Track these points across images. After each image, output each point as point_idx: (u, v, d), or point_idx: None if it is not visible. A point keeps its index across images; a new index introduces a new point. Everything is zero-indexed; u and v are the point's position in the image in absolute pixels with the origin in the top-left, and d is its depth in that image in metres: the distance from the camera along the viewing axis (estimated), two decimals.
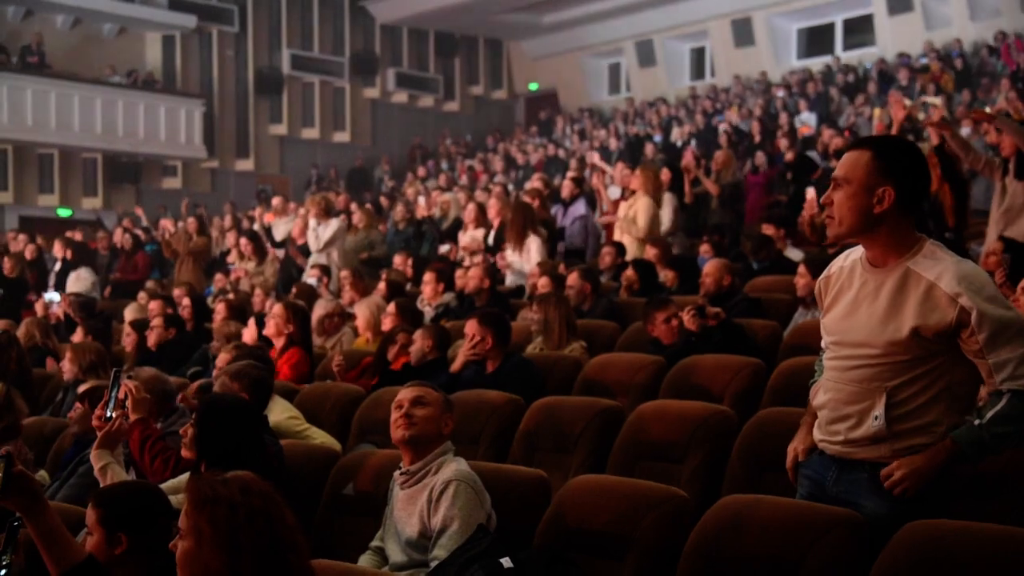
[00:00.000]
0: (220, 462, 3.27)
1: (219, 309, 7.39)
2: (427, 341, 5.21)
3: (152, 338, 6.92)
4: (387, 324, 6.09)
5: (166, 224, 12.47)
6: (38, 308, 9.58)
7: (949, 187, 6.43)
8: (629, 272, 7.11)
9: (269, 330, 5.94)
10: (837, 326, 2.66)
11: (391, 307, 6.29)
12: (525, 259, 8.02)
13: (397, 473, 3.29)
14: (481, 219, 9.21)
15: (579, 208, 9.18)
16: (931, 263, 2.53)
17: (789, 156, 10.47)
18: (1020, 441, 2.54)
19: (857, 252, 2.70)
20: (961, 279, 2.48)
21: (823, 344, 2.77)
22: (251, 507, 2.12)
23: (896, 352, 2.53)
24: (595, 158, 11.30)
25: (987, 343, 2.46)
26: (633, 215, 8.50)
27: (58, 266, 11.82)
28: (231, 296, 8.36)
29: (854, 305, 2.63)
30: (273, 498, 2.19)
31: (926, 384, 2.54)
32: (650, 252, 7.68)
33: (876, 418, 2.56)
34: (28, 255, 12.35)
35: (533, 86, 23.50)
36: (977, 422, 2.50)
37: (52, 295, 9.72)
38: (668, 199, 9.20)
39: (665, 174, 9.54)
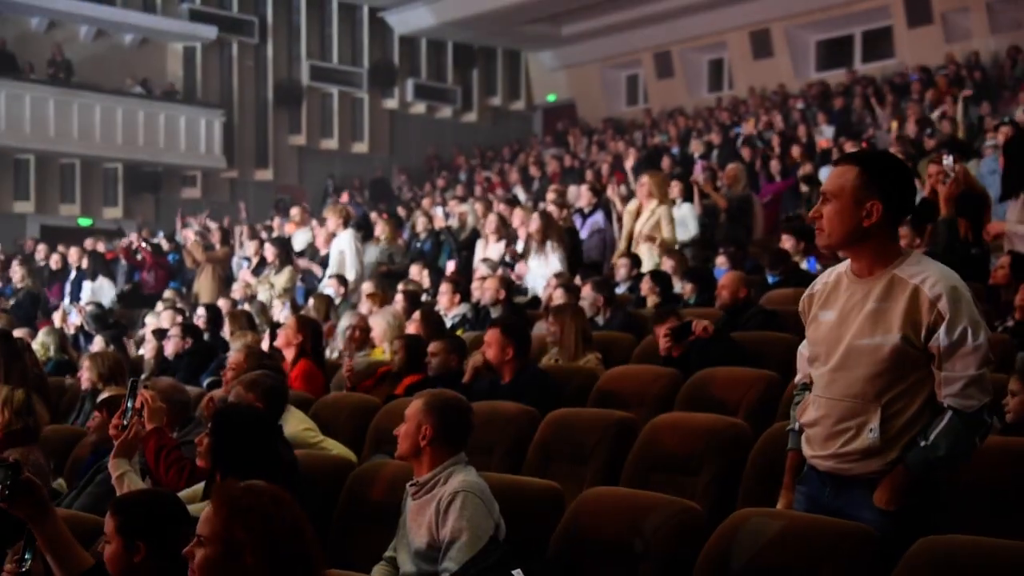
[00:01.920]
0: (235, 471, 3.30)
1: (226, 325, 7.43)
2: (452, 355, 5.22)
3: (169, 348, 6.97)
4: (411, 331, 6.11)
5: (187, 234, 12.57)
6: (56, 318, 9.64)
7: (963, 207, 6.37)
8: (647, 283, 7.09)
9: (279, 341, 5.97)
10: (826, 336, 2.70)
11: (416, 315, 6.30)
12: (545, 266, 8.06)
13: (408, 484, 3.30)
14: (502, 231, 9.22)
15: (597, 220, 9.17)
16: (916, 268, 2.60)
17: (807, 168, 10.44)
18: (967, 458, 2.61)
19: (841, 267, 2.76)
20: (944, 284, 2.54)
21: (806, 360, 2.82)
22: (285, 516, 2.16)
23: (886, 360, 2.57)
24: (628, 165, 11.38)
25: (945, 352, 2.53)
26: (656, 223, 8.44)
27: (73, 275, 11.90)
28: (246, 307, 8.41)
29: (843, 316, 2.67)
30: (299, 511, 2.22)
31: (913, 395, 2.59)
32: (667, 264, 7.68)
33: (871, 431, 2.59)
34: (54, 265, 12.46)
35: (551, 97, 23.53)
36: (923, 443, 2.56)
37: (68, 306, 9.79)
38: (688, 208, 9.20)
39: (677, 185, 9.53)
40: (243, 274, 10.78)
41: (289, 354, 5.81)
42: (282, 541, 2.14)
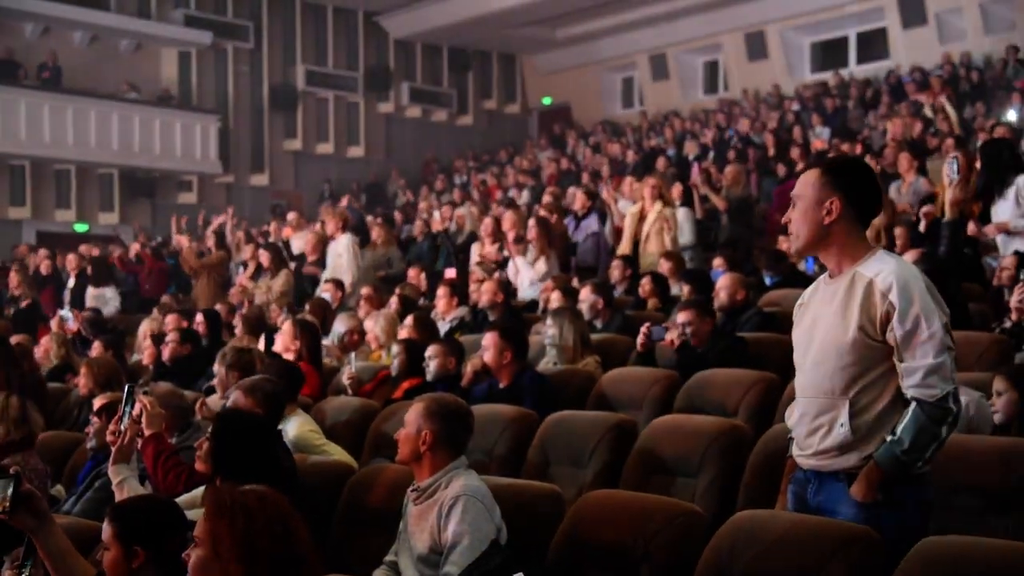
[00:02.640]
0: (234, 476, 3.29)
1: (238, 324, 7.42)
2: (450, 358, 5.22)
3: (167, 352, 6.95)
4: (404, 336, 6.09)
5: (181, 241, 12.55)
6: (53, 324, 9.63)
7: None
8: (646, 284, 7.09)
9: (277, 346, 5.96)
10: (801, 338, 2.81)
11: (409, 320, 6.29)
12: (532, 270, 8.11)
13: (410, 489, 3.30)
14: (497, 233, 9.23)
15: (592, 224, 9.15)
16: (876, 264, 2.67)
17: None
18: (935, 449, 2.62)
19: (825, 273, 2.84)
20: (897, 276, 2.60)
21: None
22: (268, 516, 2.16)
23: (848, 354, 2.64)
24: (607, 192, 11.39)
25: (902, 342, 2.59)
26: (661, 226, 8.44)
27: (72, 282, 11.86)
28: (245, 311, 8.38)
29: (815, 316, 2.77)
30: (289, 511, 2.21)
31: (881, 389, 2.64)
32: (664, 266, 7.68)
33: (842, 426, 2.65)
34: (44, 270, 12.41)
35: (546, 100, 23.55)
36: (890, 438, 2.60)
37: (66, 312, 9.76)
38: (685, 213, 9.20)
39: (677, 188, 9.54)
40: (240, 279, 10.76)
41: (288, 358, 5.79)
42: (266, 540, 2.13)
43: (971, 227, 6.02)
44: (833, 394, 2.67)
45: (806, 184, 2.75)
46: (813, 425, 2.72)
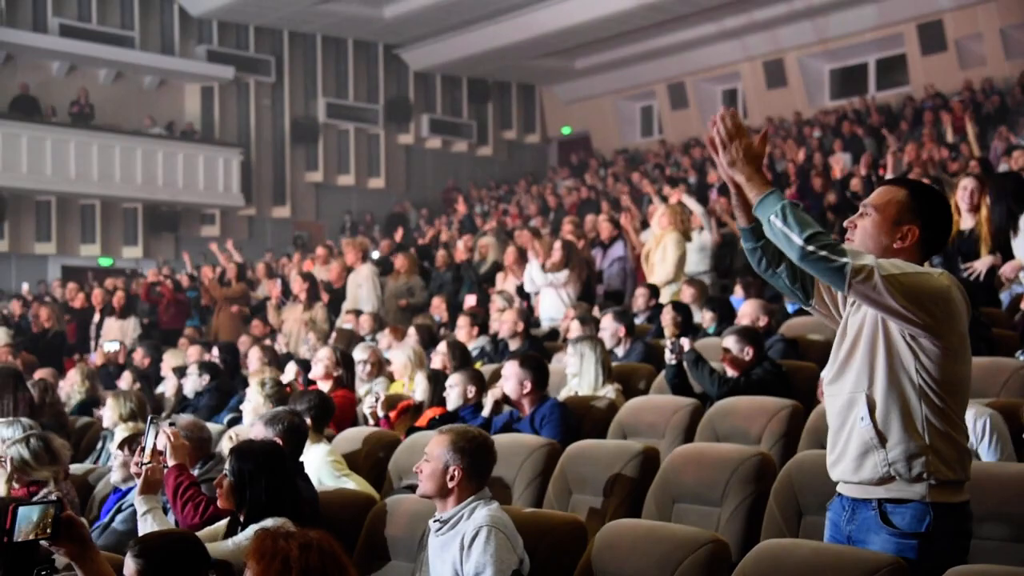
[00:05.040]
0: (256, 510, 3.30)
1: (254, 354, 7.44)
2: (471, 386, 5.21)
3: (189, 385, 6.99)
4: (436, 364, 6.11)
5: (206, 271, 12.65)
6: (98, 357, 9.67)
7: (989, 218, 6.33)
8: (668, 313, 7.06)
9: (317, 373, 5.98)
10: (832, 352, 2.75)
11: (441, 346, 6.30)
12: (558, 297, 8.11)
13: (431, 520, 3.29)
14: (522, 263, 9.25)
15: (617, 250, 9.19)
16: None
17: (831, 199, 10.39)
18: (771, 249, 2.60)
19: None
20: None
21: None
22: (306, 564, 2.16)
23: (862, 346, 2.60)
24: (625, 200, 11.39)
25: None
26: (661, 254, 8.44)
27: (97, 317, 11.95)
28: (267, 342, 8.42)
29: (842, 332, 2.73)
30: (334, 557, 2.22)
31: (900, 386, 2.56)
32: (686, 293, 7.65)
33: (863, 419, 2.58)
34: (78, 304, 12.52)
35: (566, 130, 23.64)
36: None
37: (112, 344, 9.80)
38: (697, 238, 9.15)
39: (696, 216, 9.52)
40: (270, 311, 10.77)
41: (326, 386, 5.81)
42: None
43: (985, 262, 5.96)
44: (852, 394, 2.66)
45: (890, 200, 2.64)
46: (837, 441, 2.70)
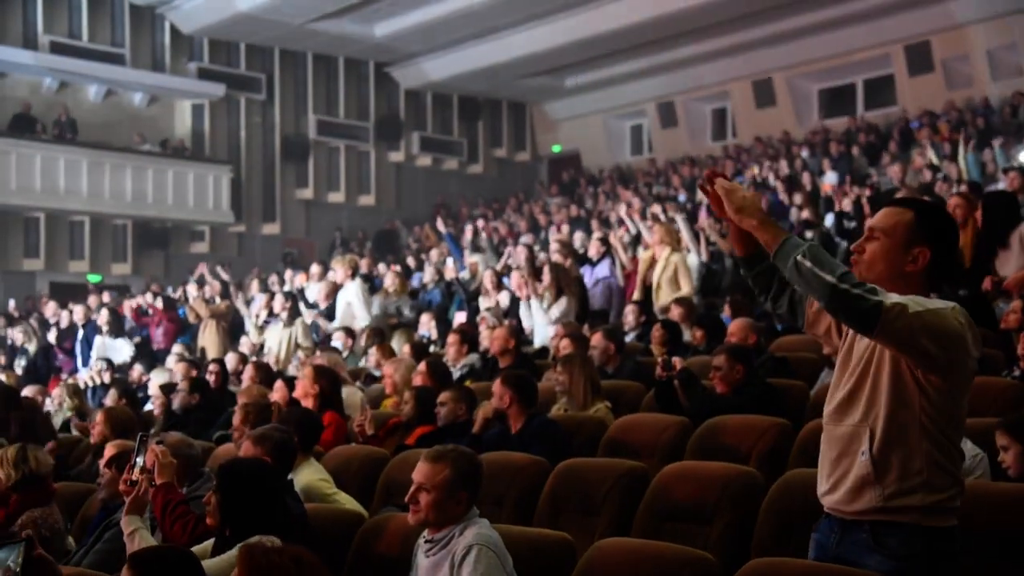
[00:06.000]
0: (244, 528, 3.28)
1: (247, 372, 7.42)
2: (460, 404, 5.21)
3: (177, 402, 6.96)
4: (417, 382, 6.09)
5: (190, 290, 12.61)
6: (88, 376, 9.63)
7: (973, 232, 6.37)
8: (657, 331, 7.08)
9: (297, 391, 5.96)
10: (833, 382, 2.73)
11: (421, 366, 6.29)
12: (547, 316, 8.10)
13: (421, 540, 3.28)
14: (498, 285, 9.28)
15: (603, 269, 9.20)
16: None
17: (805, 214, 10.50)
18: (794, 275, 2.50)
19: None
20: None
21: None
22: None
23: (867, 380, 2.58)
24: (624, 212, 11.44)
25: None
26: (673, 272, 8.44)
27: (81, 333, 11.89)
28: (256, 359, 8.40)
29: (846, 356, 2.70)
30: (321, 570, 2.21)
31: (903, 422, 2.54)
32: (675, 312, 7.67)
33: (863, 454, 2.57)
34: (63, 323, 12.46)
35: (556, 148, 23.72)
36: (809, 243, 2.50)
37: (97, 361, 9.78)
38: (691, 260, 9.20)
39: (685, 234, 9.55)
40: (251, 329, 10.76)
41: (307, 404, 5.78)
42: None
43: (986, 282, 6.00)
44: (856, 426, 2.64)
45: (897, 223, 2.61)
46: (834, 468, 2.68)
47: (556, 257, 9.16)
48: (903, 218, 2.61)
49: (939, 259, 2.59)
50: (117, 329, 11.66)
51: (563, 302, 8.25)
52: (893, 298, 2.44)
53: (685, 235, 9.39)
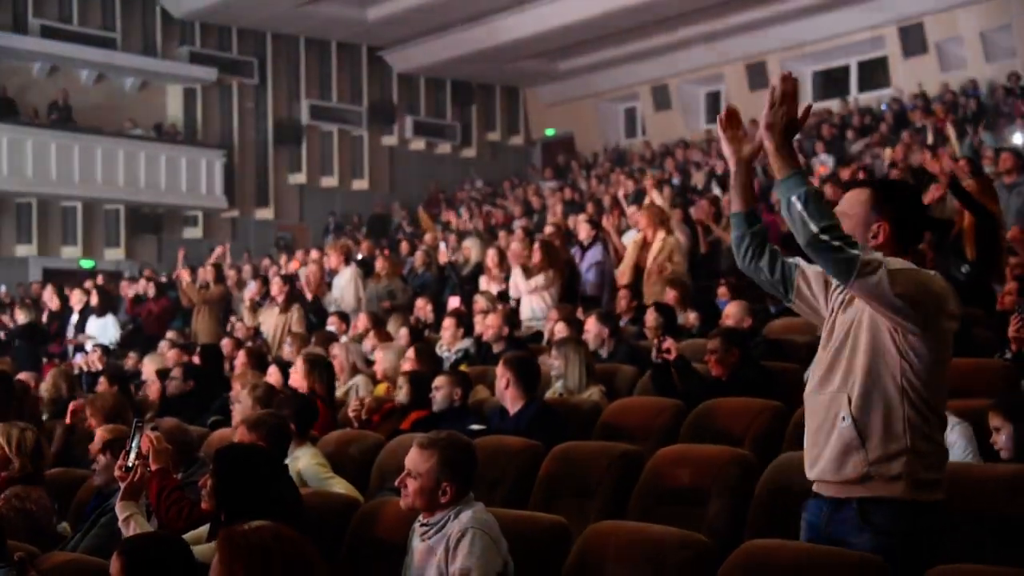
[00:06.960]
0: (239, 512, 3.29)
1: (240, 358, 7.41)
2: (455, 389, 5.22)
3: (171, 388, 6.95)
4: (406, 368, 6.09)
5: (182, 274, 12.58)
6: (82, 362, 9.60)
7: (973, 219, 6.37)
8: (651, 315, 7.07)
9: (292, 380, 5.96)
10: (816, 358, 2.79)
11: (410, 352, 6.29)
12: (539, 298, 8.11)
13: (417, 524, 3.28)
14: (501, 265, 9.24)
15: (596, 254, 9.13)
16: None
17: None
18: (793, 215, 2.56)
19: None
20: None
21: None
22: (286, 553, 2.15)
23: (846, 349, 2.64)
24: (620, 194, 11.43)
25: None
26: (668, 255, 8.39)
27: (75, 318, 11.86)
28: (250, 344, 8.38)
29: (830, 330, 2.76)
30: (307, 549, 2.21)
31: (882, 386, 2.59)
32: (669, 295, 7.66)
33: (844, 419, 2.62)
34: (53, 306, 12.42)
35: (550, 131, 23.67)
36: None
37: (88, 341, 9.75)
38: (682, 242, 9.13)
39: (677, 215, 9.50)
40: (245, 312, 10.73)
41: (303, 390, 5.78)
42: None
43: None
44: (836, 395, 2.70)
45: (855, 203, 2.74)
46: (816, 440, 2.74)
47: (548, 234, 9.13)
48: (860, 197, 2.74)
49: (899, 229, 2.68)
50: (105, 306, 11.61)
51: (545, 275, 8.25)
52: (874, 255, 2.52)
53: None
